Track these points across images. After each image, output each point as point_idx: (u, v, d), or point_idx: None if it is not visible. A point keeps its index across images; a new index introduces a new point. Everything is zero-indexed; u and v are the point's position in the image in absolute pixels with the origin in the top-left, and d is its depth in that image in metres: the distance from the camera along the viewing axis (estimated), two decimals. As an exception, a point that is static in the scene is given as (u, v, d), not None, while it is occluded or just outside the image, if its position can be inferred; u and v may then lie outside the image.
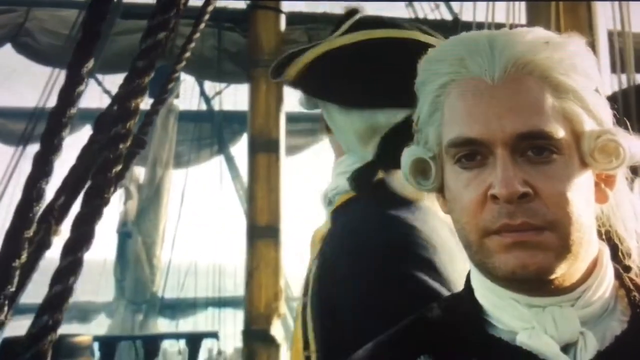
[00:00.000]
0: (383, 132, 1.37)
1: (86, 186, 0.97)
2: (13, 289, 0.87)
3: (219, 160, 11.87)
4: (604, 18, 4.29)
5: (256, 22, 7.31)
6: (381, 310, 1.10)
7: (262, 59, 7.17)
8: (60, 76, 7.36)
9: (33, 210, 0.89)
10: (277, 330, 7.65)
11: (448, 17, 9.00)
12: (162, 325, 11.65)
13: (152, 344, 6.23)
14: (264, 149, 7.20)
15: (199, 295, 12.88)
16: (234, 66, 8.04)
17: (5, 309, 0.87)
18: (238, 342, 8.31)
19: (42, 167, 0.91)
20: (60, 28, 7.55)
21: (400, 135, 1.02)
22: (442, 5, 10.08)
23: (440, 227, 1.33)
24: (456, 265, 1.25)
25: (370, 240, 1.29)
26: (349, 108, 1.41)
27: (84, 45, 0.95)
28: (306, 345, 1.37)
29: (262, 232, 7.06)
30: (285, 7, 7.51)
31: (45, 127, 0.93)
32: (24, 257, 0.88)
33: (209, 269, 13.84)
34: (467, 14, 5.86)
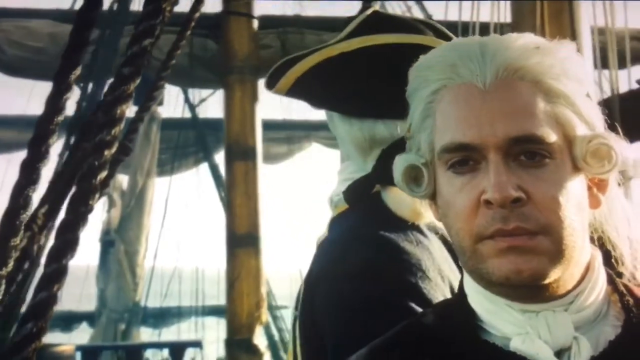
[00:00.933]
0: (383, 144, 1.34)
1: (70, 193, 0.97)
2: (0, 297, 0.87)
3: (201, 168, 11.84)
4: (587, 15, 4.33)
5: (229, 28, 7.24)
6: (361, 335, 1.08)
7: (235, 65, 7.11)
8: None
9: (20, 218, 0.89)
10: (259, 339, 7.62)
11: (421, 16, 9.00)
12: (145, 334, 11.57)
13: (135, 353, 6.19)
14: (241, 157, 7.12)
15: (182, 304, 12.81)
16: (207, 73, 7.98)
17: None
18: (221, 351, 8.26)
19: (29, 175, 0.90)
20: (27, 40, 7.45)
21: (401, 150, 1.01)
22: (414, 6, 10.08)
23: (437, 249, 1.31)
24: (447, 291, 1.24)
25: (355, 262, 1.25)
26: (349, 117, 1.38)
27: (71, 54, 0.96)
28: None
29: (242, 240, 7.02)
30: (257, 10, 7.47)
31: (33, 134, 0.93)
32: (10, 265, 0.87)
33: (192, 277, 13.77)
34: (452, 14, 5.87)
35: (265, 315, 7.30)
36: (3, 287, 0.91)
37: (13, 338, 0.83)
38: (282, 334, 10.36)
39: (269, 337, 9.92)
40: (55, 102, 0.93)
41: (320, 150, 11.98)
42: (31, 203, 0.98)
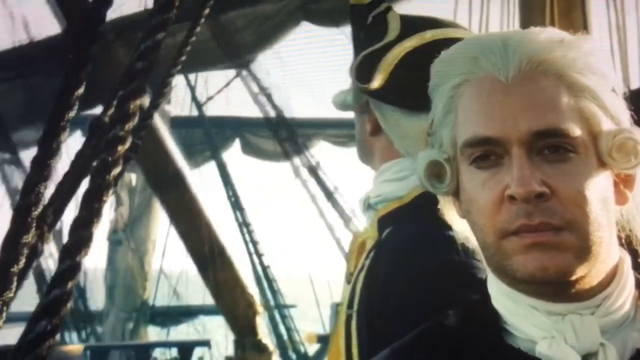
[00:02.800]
0: None
1: (83, 190, 0.96)
2: (12, 295, 0.86)
3: (207, 167, 11.86)
4: (597, 15, 4.32)
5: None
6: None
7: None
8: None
9: (32, 215, 0.88)
10: (268, 338, 7.64)
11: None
12: (153, 333, 11.60)
13: (143, 352, 6.19)
14: (167, 187, 6.80)
15: (190, 303, 12.84)
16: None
17: (4, 315, 0.86)
18: (230, 350, 8.27)
19: (40, 171, 0.89)
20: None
21: None
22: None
23: None
24: None
25: (428, 259, 1.27)
26: (419, 112, 1.35)
27: (81, 50, 0.95)
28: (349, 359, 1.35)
29: (210, 258, 6.92)
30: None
31: (44, 131, 0.92)
32: (22, 262, 0.87)
33: (200, 277, 13.79)
34: (462, 12, 5.85)
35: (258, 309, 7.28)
36: (15, 284, 0.90)
37: (26, 336, 0.83)
38: (291, 333, 10.36)
39: (278, 336, 9.93)
40: (66, 98, 0.92)
41: (330, 148, 11.99)
42: (42, 200, 0.97)
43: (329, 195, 10.32)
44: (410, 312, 1.20)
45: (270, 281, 10.93)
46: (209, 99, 12.23)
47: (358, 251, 1.52)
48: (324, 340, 8.54)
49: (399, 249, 1.33)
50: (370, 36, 1.48)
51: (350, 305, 1.39)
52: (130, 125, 0.92)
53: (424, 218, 1.12)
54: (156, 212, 11.45)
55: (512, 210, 0.85)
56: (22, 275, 1.12)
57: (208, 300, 12.39)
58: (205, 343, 7.33)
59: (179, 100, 12.20)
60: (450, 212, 0.98)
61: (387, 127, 1.46)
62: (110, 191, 0.90)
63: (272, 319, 10.38)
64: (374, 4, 1.51)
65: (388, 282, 1.30)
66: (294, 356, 9.97)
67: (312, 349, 9.91)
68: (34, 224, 0.95)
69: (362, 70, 1.42)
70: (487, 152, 0.88)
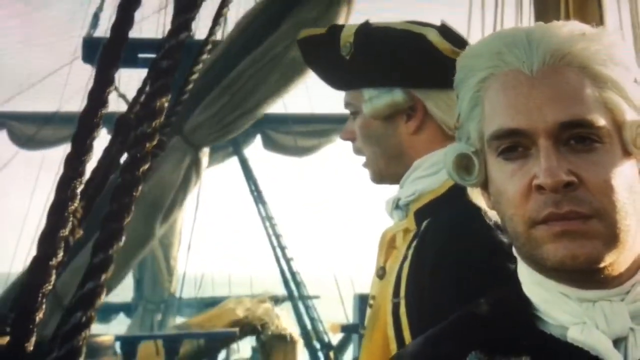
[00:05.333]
0: None
1: (113, 185, 0.97)
2: (50, 287, 0.88)
3: (233, 162, 11.91)
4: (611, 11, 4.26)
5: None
6: None
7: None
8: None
9: (68, 210, 0.90)
10: (293, 328, 7.66)
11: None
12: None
13: (172, 343, 6.23)
14: None
15: (215, 294, 12.91)
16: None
17: (44, 306, 0.87)
18: (254, 341, 8.31)
19: (74, 168, 0.91)
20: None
21: None
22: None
23: None
24: None
25: (476, 241, 1.28)
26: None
27: (112, 48, 0.96)
28: (402, 346, 1.35)
29: None
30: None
31: (77, 128, 0.93)
32: (60, 255, 0.88)
33: (225, 272, 13.89)
34: (475, 11, 5.81)
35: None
36: (54, 277, 0.92)
37: (62, 328, 0.84)
38: (314, 322, 10.39)
39: (302, 326, 9.95)
40: (97, 96, 0.93)
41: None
42: (77, 196, 0.98)
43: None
44: (463, 293, 1.20)
45: (293, 273, 10.97)
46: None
47: (388, 245, 1.54)
48: (347, 329, 8.55)
49: (445, 234, 1.34)
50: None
51: (396, 294, 1.41)
52: (157, 122, 0.93)
53: (464, 205, 1.14)
54: (182, 207, 11.50)
55: (540, 200, 0.85)
56: (59, 268, 1.14)
57: (234, 291, 12.47)
58: (232, 334, 7.35)
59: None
60: (480, 204, 0.98)
61: (440, 112, 1.48)
62: (140, 186, 0.91)
63: (296, 309, 10.42)
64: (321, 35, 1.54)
65: (438, 266, 1.32)
66: (317, 345, 9.99)
67: (335, 338, 9.93)
68: (70, 219, 0.96)
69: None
70: (515, 144, 0.89)
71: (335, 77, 1.59)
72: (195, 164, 6.51)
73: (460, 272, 1.28)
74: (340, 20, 6.09)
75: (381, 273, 1.53)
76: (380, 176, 1.56)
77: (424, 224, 1.45)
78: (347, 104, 1.57)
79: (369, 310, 1.54)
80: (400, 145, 1.53)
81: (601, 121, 0.87)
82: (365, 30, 1.52)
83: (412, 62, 1.47)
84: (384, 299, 1.45)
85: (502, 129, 0.89)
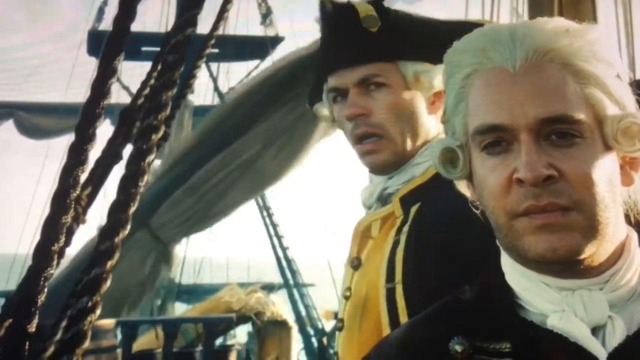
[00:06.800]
0: None
1: (121, 175, 0.98)
2: (52, 272, 0.88)
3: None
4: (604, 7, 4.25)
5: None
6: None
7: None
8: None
9: (70, 197, 0.90)
10: (288, 314, 7.68)
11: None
12: (179, 309, 11.70)
13: (172, 327, 6.25)
14: None
15: (214, 278, 12.93)
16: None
17: (45, 290, 0.88)
18: (250, 327, 8.34)
19: (77, 156, 0.91)
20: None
21: None
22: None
23: None
24: None
25: (482, 225, 1.27)
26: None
27: (115, 39, 0.96)
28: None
29: None
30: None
31: (80, 118, 0.93)
32: (62, 240, 0.89)
33: (223, 258, 13.90)
34: (474, 8, 5.79)
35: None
36: (55, 261, 0.92)
37: (70, 312, 0.85)
38: (309, 310, 10.42)
39: (297, 313, 9.99)
40: (100, 87, 0.94)
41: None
42: (79, 184, 0.98)
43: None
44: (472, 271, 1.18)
45: (289, 262, 10.99)
46: (231, 89, 12.23)
47: (362, 235, 1.49)
48: (340, 316, 8.57)
49: (452, 217, 1.26)
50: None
51: (390, 280, 1.37)
52: (163, 115, 0.94)
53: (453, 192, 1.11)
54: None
55: (520, 193, 0.86)
56: (60, 254, 1.14)
57: (232, 278, 12.49)
58: (229, 319, 7.37)
59: (201, 91, 12.23)
60: (466, 194, 0.98)
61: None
62: (145, 177, 0.92)
63: (291, 296, 10.45)
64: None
65: (450, 246, 1.28)
66: (311, 331, 10.03)
67: (328, 324, 9.97)
68: (72, 206, 0.97)
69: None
70: (497, 139, 0.89)
71: (354, 50, 1.45)
72: (165, 258, 6.38)
73: (475, 248, 1.22)
74: (318, 133, 5.88)
75: (356, 263, 1.48)
76: (397, 158, 1.45)
77: (414, 209, 1.41)
78: (371, 76, 1.43)
79: (344, 302, 1.49)
80: (423, 127, 1.46)
81: (582, 117, 0.87)
82: (382, 6, 1.46)
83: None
84: (373, 287, 1.41)
85: (484, 125, 0.89)
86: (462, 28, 1.43)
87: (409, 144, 1.45)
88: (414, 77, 1.44)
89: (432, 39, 1.41)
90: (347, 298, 1.48)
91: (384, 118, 1.43)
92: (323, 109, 1.56)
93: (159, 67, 0.95)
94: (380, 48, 1.44)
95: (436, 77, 1.43)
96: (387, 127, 1.44)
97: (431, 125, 1.47)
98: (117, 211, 0.88)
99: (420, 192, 1.42)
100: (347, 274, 1.51)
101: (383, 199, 1.49)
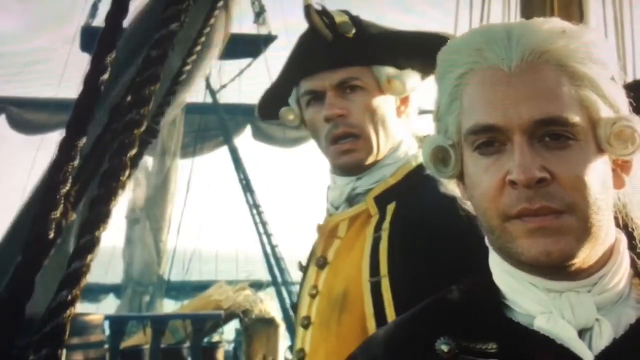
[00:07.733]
0: None
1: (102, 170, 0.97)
2: (39, 267, 0.87)
3: (223, 151, 11.89)
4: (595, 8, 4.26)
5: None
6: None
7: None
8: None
9: (60, 193, 0.89)
10: (275, 312, 7.67)
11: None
12: (168, 306, 11.68)
13: (159, 323, 6.23)
14: None
15: (202, 278, 12.91)
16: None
17: (35, 284, 0.87)
18: (238, 324, 8.33)
19: (68, 152, 0.90)
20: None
21: None
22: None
23: None
24: None
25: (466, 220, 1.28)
26: None
27: (107, 36, 0.95)
28: (383, 322, 1.33)
29: None
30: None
31: (72, 114, 0.92)
32: (50, 236, 0.88)
33: (212, 253, 13.89)
34: (464, 8, 5.78)
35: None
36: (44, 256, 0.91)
37: (48, 305, 0.84)
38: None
39: (284, 310, 9.98)
40: (92, 83, 0.93)
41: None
42: (69, 179, 0.97)
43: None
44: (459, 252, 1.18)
45: (278, 259, 10.98)
46: (223, 87, 12.22)
47: (329, 235, 1.51)
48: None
49: (435, 211, 1.26)
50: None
51: (374, 274, 1.39)
52: (145, 109, 0.93)
53: (433, 187, 1.12)
54: (171, 193, 11.50)
55: (513, 195, 0.84)
56: (48, 249, 1.13)
57: (220, 275, 12.47)
58: (217, 316, 7.36)
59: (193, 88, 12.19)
60: (455, 194, 0.97)
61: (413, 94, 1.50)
62: (127, 171, 0.91)
63: (279, 294, 10.44)
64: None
65: (440, 238, 1.29)
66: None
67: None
68: (62, 201, 0.96)
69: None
70: (490, 139, 0.87)
71: (333, 53, 1.50)
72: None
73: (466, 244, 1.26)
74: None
75: (321, 262, 1.50)
76: (371, 159, 1.48)
77: (390, 207, 1.44)
78: (349, 79, 1.48)
79: (308, 300, 1.49)
80: (393, 129, 1.50)
81: (576, 119, 0.86)
82: (352, 15, 1.52)
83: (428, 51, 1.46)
84: (352, 283, 1.42)
85: (478, 125, 0.88)
86: (425, 37, 1.48)
87: (382, 145, 1.49)
88: (386, 80, 1.49)
89: (399, 46, 1.50)
90: (313, 296, 1.49)
91: (361, 119, 1.47)
92: (289, 113, 1.60)
93: (142, 63, 0.95)
94: (357, 52, 1.49)
95: (405, 81, 1.49)
96: (363, 128, 1.47)
97: (398, 128, 1.52)
98: (98, 205, 0.88)
99: (393, 192, 1.45)
100: (311, 273, 1.53)
101: (350, 200, 1.51)
